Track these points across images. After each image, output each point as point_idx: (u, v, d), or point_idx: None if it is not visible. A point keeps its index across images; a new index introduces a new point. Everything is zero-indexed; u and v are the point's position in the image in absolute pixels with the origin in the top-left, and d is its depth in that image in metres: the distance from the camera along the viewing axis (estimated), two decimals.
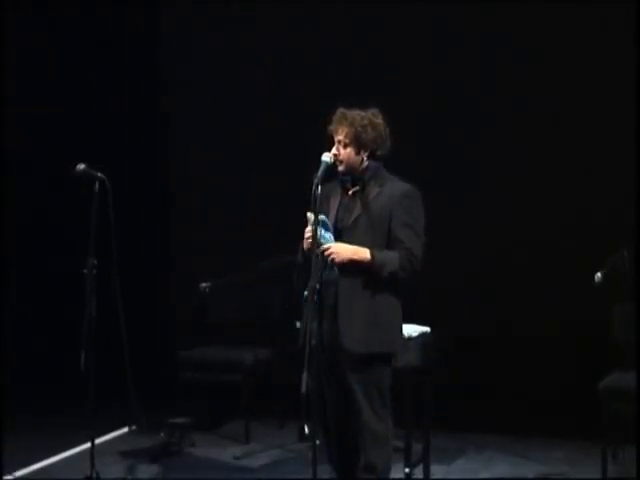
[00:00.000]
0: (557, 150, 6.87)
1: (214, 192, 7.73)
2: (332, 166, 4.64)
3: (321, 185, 4.53)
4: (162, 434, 6.64)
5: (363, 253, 4.56)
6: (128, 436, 7.00)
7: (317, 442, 4.40)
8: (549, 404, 6.72)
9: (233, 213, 7.65)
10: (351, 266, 4.57)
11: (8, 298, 7.58)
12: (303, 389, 4.21)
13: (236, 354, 6.96)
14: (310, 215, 4.53)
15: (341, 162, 4.66)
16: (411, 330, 5.39)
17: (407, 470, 5.70)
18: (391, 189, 4.65)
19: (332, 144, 4.68)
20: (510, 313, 6.91)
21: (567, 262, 6.74)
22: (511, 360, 6.87)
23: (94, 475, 5.24)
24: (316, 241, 4.47)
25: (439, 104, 7.08)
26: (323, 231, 4.57)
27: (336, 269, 4.59)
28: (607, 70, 6.67)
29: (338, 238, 4.63)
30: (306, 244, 4.59)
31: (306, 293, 4.48)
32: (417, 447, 5.80)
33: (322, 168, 4.58)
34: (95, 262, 5.12)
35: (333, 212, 4.71)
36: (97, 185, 5.14)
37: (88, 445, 5.32)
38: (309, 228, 4.55)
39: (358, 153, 4.66)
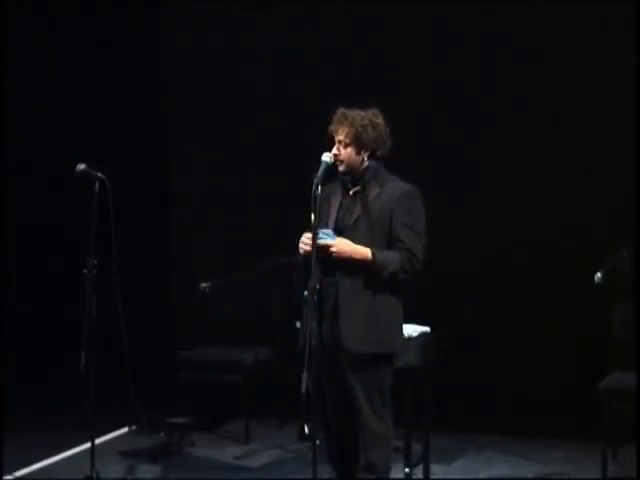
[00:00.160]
0: (557, 150, 6.87)
1: (214, 192, 7.73)
2: (332, 166, 4.64)
3: (321, 185, 4.53)
4: (162, 434, 6.64)
5: (364, 252, 4.56)
6: (128, 436, 7.00)
7: (317, 442, 4.40)
8: (549, 404, 6.72)
9: (233, 213, 7.65)
10: (351, 266, 4.57)
11: (8, 298, 7.59)
12: (303, 389, 4.20)
13: (236, 354, 6.96)
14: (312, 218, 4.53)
15: (341, 162, 4.66)
16: (411, 330, 5.39)
17: (407, 470, 5.70)
18: (391, 189, 4.65)
19: (332, 144, 4.68)
20: (510, 313, 6.90)
21: (567, 262, 6.74)
22: (511, 360, 6.87)
23: (94, 475, 5.24)
24: (316, 243, 4.46)
25: (439, 104, 7.08)
26: (323, 231, 4.57)
27: (337, 273, 4.59)
28: (607, 70, 6.68)
29: None
30: (302, 249, 4.58)
31: (306, 293, 4.48)
32: (417, 447, 5.80)
33: (322, 168, 4.58)
34: (95, 262, 5.12)
35: (334, 212, 4.71)
36: (97, 185, 5.14)
37: (88, 445, 5.32)
38: (307, 235, 4.54)
39: (358, 153, 4.66)
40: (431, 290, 6.28)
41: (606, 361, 6.16)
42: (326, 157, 4.62)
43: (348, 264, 4.57)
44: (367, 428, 4.63)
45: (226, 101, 7.68)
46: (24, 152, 7.71)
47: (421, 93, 7.07)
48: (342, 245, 4.56)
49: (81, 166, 5.18)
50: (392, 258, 4.57)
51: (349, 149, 4.65)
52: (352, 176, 4.69)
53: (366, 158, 4.68)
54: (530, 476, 6.09)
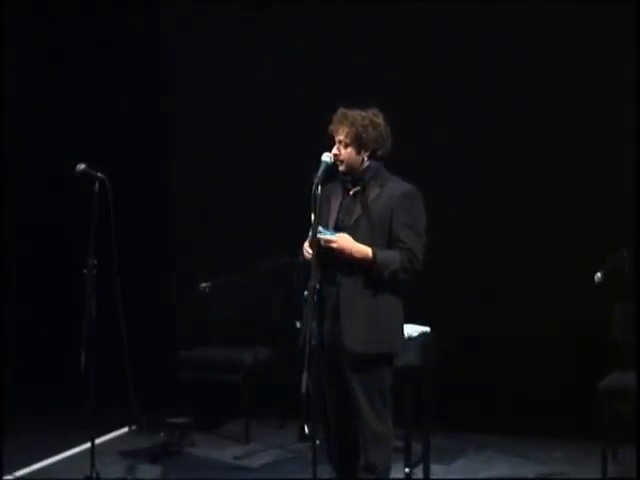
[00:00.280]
0: (557, 150, 6.87)
1: (214, 192, 7.73)
2: (332, 166, 4.64)
3: (322, 186, 4.53)
4: (162, 434, 6.64)
5: (365, 251, 4.56)
6: (128, 436, 7.00)
7: (317, 442, 4.40)
8: (549, 404, 6.72)
9: (233, 213, 7.65)
10: (352, 265, 4.57)
11: (8, 298, 7.58)
12: (303, 389, 4.20)
13: (236, 354, 6.96)
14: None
15: (342, 162, 4.66)
16: (411, 330, 5.39)
17: (407, 470, 5.70)
18: (391, 189, 4.65)
19: (332, 144, 4.68)
20: (510, 313, 6.90)
21: (567, 262, 6.74)
22: (511, 360, 6.87)
23: (94, 475, 5.24)
24: (316, 241, 4.46)
25: (439, 104, 7.08)
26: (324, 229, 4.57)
27: (337, 273, 4.59)
28: (607, 70, 6.67)
29: None
30: (306, 255, 4.58)
31: (306, 293, 4.47)
32: (417, 447, 5.80)
33: (322, 168, 4.58)
34: (95, 262, 5.12)
35: (334, 213, 4.71)
36: (97, 185, 5.14)
37: (88, 445, 5.32)
38: (308, 243, 4.54)
39: (359, 153, 4.66)
40: (431, 290, 6.28)
41: (606, 361, 6.16)
42: (326, 157, 4.62)
43: (349, 263, 4.57)
44: (367, 428, 4.63)
45: (226, 101, 7.68)
46: (24, 152, 7.71)
47: (421, 93, 7.07)
48: (343, 241, 4.56)
49: (81, 166, 5.18)
50: (393, 257, 4.57)
51: (349, 149, 4.65)
52: (352, 176, 4.69)
53: (366, 158, 4.68)
54: (530, 476, 6.09)
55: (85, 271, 5.12)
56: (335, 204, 4.72)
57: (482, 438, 6.72)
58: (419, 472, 5.87)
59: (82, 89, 7.82)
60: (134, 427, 6.97)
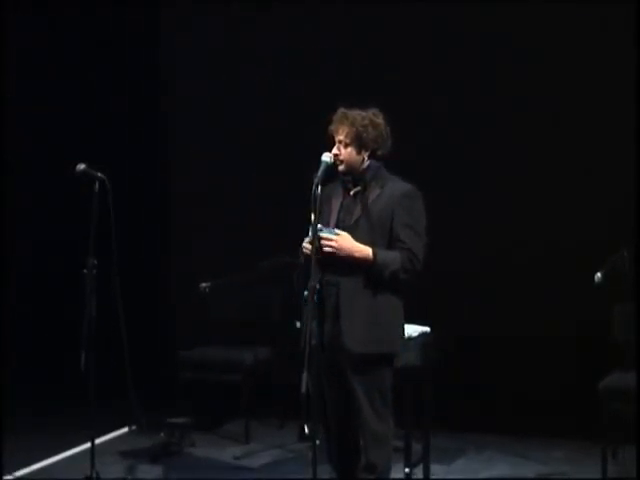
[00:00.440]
0: (557, 150, 6.87)
1: (214, 192, 7.73)
2: (332, 166, 4.64)
3: (322, 186, 4.53)
4: (162, 434, 6.64)
5: (365, 250, 4.56)
6: (128, 436, 7.00)
7: (317, 442, 4.40)
8: (549, 404, 6.72)
9: (233, 213, 7.65)
10: (352, 265, 4.56)
11: (8, 298, 7.58)
12: (303, 389, 4.20)
13: (236, 354, 6.96)
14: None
15: (342, 162, 4.66)
16: (411, 330, 5.39)
17: (407, 470, 5.70)
18: (392, 189, 4.65)
19: (332, 144, 4.68)
20: (510, 313, 6.91)
21: (567, 262, 6.74)
22: (511, 360, 6.87)
23: (94, 475, 5.24)
24: (316, 239, 4.46)
25: (439, 104, 7.08)
26: (325, 229, 4.57)
27: (337, 273, 4.59)
28: (607, 70, 6.68)
29: None
30: (305, 251, 4.58)
31: (306, 293, 4.47)
32: (417, 447, 5.80)
33: (322, 168, 4.58)
34: (95, 262, 5.12)
35: (334, 213, 4.71)
36: (97, 185, 5.14)
37: (88, 445, 5.32)
38: (309, 239, 4.54)
39: (359, 153, 4.66)
40: (431, 290, 6.28)
41: (606, 361, 6.16)
42: (326, 157, 4.62)
43: (349, 263, 4.56)
44: (367, 428, 4.62)
45: (226, 101, 7.68)
46: (24, 152, 7.71)
47: (421, 93, 7.07)
48: (343, 240, 4.56)
49: (81, 166, 5.18)
50: (393, 257, 4.56)
51: (349, 149, 4.65)
52: (352, 176, 4.69)
53: (366, 158, 4.67)
54: (530, 476, 6.09)
55: (85, 271, 5.11)
56: (335, 204, 4.72)
57: (482, 438, 6.72)
58: (419, 472, 5.87)
59: (82, 89, 7.82)
60: (134, 427, 6.97)
